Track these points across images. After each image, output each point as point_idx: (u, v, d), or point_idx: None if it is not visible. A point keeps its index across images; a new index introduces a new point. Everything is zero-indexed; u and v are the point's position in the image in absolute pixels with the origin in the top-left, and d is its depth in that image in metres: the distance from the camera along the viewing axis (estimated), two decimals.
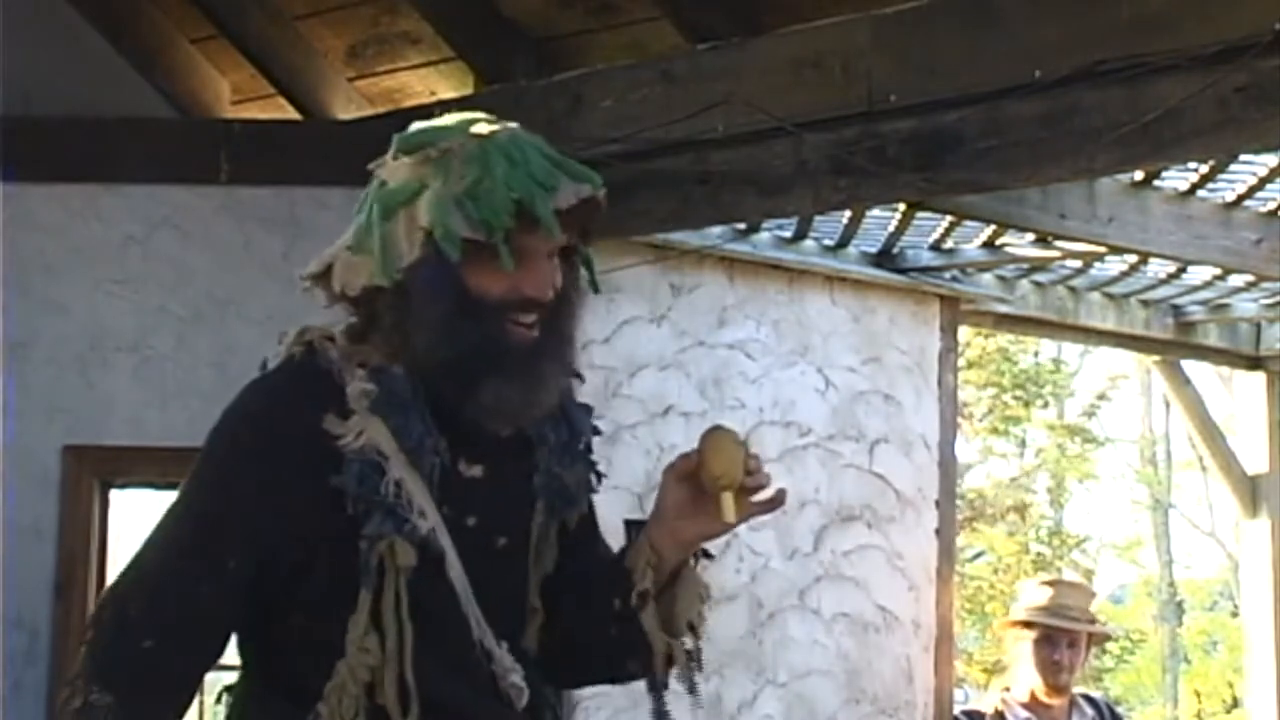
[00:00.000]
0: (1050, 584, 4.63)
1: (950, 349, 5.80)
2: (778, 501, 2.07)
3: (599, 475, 2.19)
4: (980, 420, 15.72)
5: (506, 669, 2.04)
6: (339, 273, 2.08)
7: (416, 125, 2.10)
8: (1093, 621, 4.55)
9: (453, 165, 2.00)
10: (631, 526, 2.13)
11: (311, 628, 2.01)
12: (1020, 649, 4.52)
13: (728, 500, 2.02)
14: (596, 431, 2.19)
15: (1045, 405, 16.68)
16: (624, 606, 2.08)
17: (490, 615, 2.04)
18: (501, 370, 2.00)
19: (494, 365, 1.99)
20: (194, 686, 2.03)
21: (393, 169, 2.08)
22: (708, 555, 2.14)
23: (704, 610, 2.13)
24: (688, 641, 2.11)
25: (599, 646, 2.13)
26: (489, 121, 2.06)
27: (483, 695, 2.04)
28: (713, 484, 2.02)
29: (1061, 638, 4.46)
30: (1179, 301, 6.47)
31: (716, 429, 2.05)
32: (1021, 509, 15.83)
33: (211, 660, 2.04)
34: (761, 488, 2.04)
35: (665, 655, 2.09)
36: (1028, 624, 4.51)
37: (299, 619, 2.02)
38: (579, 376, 2.17)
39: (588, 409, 2.19)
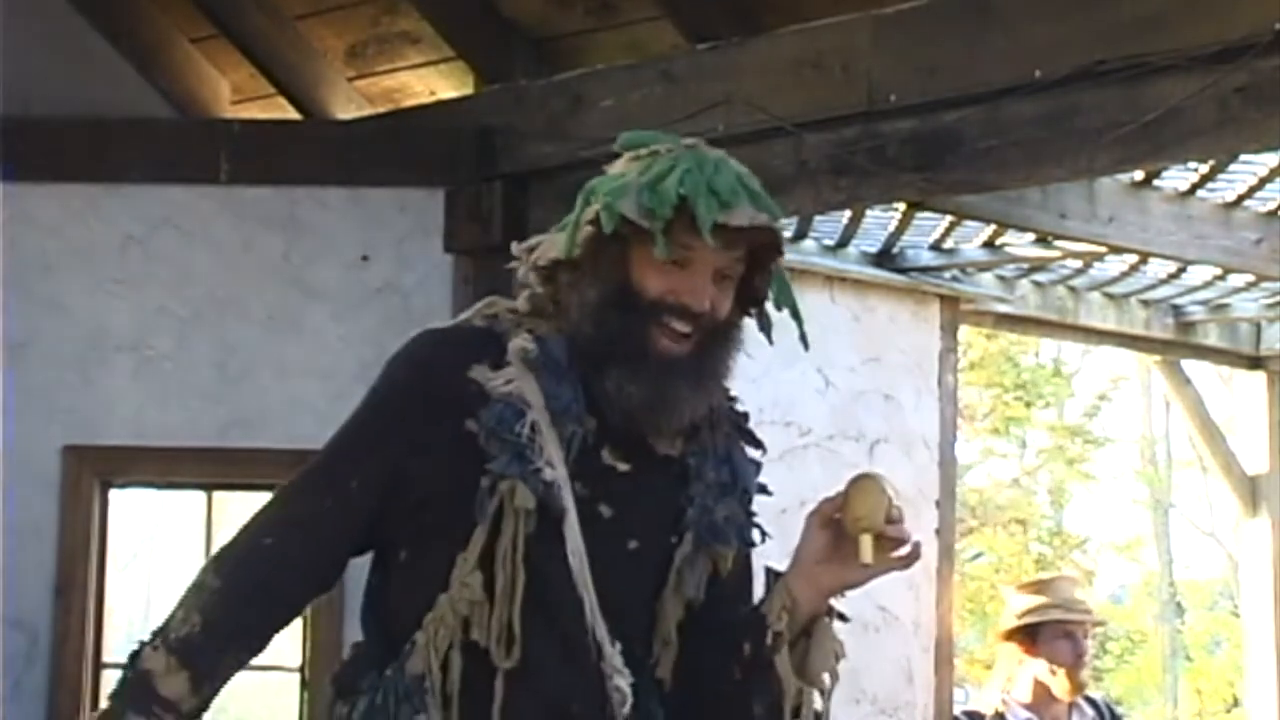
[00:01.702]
0: (1047, 582, 4.60)
1: (950, 349, 5.80)
2: (914, 557, 2.09)
3: (763, 533, 2.21)
4: (981, 421, 15.72)
5: (615, 669, 2.06)
6: (541, 247, 2.16)
7: (638, 131, 2.22)
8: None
9: (652, 163, 2.10)
10: (770, 574, 2.14)
11: (417, 563, 2.08)
12: (1029, 652, 4.45)
13: (866, 542, 2.04)
14: (764, 490, 2.22)
15: (1046, 406, 16.68)
16: (754, 651, 2.10)
17: (607, 612, 2.05)
18: (630, 366, 2.06)
19: (626, 359, 2.06)
20: (297, 598, 2.13)
21: (614, 165, 2.17)
22: (843, 617, 2.15)
23: (837, 669, 2.14)
24: (818, 700, 2.11)
25: (723, 692, 2.13)
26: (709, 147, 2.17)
27: (582, 679, 2.05)
28: (853, 525, 2.05)
29: (1079, 630, 4.43)
30: (1179, 301, 6.47)
31: (865, 475, 2.09)
32: (1023, 521, 15.83)
33: (321, 578, 2.13)
34: (901, 541, 2.07)
35: (796, 703, 2.09)
36: (1036, 625, 4.44)
37: (405, 554, 2.09)
38: (760, 445, 2.23)
39: (757, 465, 2.22)
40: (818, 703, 2.11)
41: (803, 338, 2.19)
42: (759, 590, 2.22)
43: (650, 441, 2.12)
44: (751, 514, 2.21)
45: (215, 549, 2.14)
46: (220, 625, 2.05)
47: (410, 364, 2.14)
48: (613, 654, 2.06)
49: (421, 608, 2.04)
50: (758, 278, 2.16)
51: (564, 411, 2.06)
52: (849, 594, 2.14)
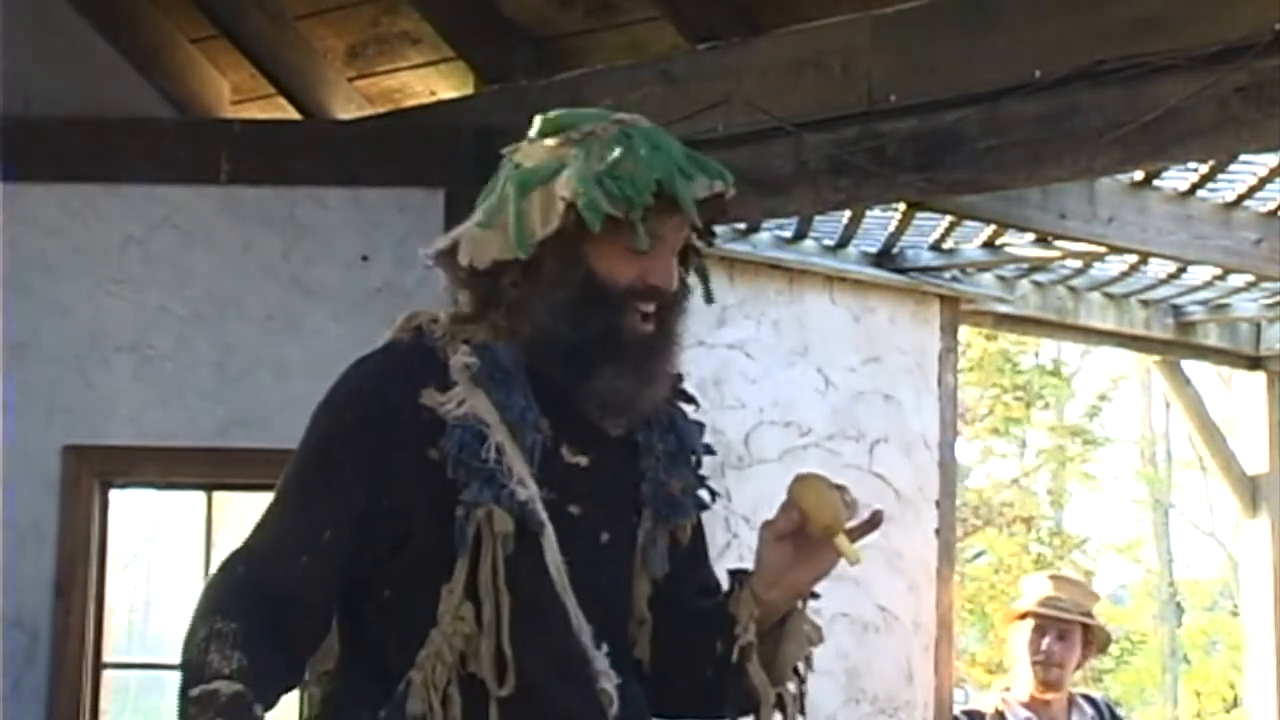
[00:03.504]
0: (1049, 579, 4.65)
1: (950, 349, 5.80)
2: (876, 521, 2.10)
3: (713, 494, 2.20)
4: (981, 421, 15.71)
5: (600, 672, 2.04)
6: (466, 247, 2.08)
7: (555, 111, 2.13)
8: (1088, 616, 4.54)
9: (594, 146, 2.04)
10: (735, 576, 2.14)
11: (402, 602, 2.03)
12: (1018, 645, 4.53)
13: (844, 543, 2.04)
14: (709, 450, 2.20)
15: (1046, 406, 16.67)
16: (725, 652, 2.09)
17: (589, 612, 2.04)
18: (618, 361, 2.03)
19: (612, 355, 2.03)
20: (301, 657, 2.04)
21: (529, 151, 2.10)
22: (814, 595, 2.15)
23: (811, 653, 2.14)
24: (792, 686, 2.12)
25: (693, 682, 2.14)
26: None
27: (578, 690, 2.03)
28: (824, 533, 2.04)
29: (1050, 629, 4.46)
30: (1179, 301, 6.47)
31: (806, 480, 2.07)
32: (1027, 519, 15.82)
33: (317, 630, 2.05)
34: (863, 518, 2.07)
35: (773, 705, 2.10)
36: (1022, 617, 4.53)
37: (389, 594, 2.04)
38: (693, 401, 2.20)
39: (700, 426, 2.20)
40: (791, 687, 2.12)
41: (706, 294, 2.16)
42: (713, 562, 2.23)
43: (602, 426, 2.09)
44: (702, 478, 2.19)
45: (194, 621, 1.98)
46: (264, 655, 1.95)
47: (358, 400, 2.06)
48: (598, 656, 2.04)
49: (411, 644, 1.99)
50: (702, 239, 2.15)
51: (521, 421, 2.01)
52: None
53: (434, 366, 2.03)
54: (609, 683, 2.04)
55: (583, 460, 2.08)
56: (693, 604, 2.16)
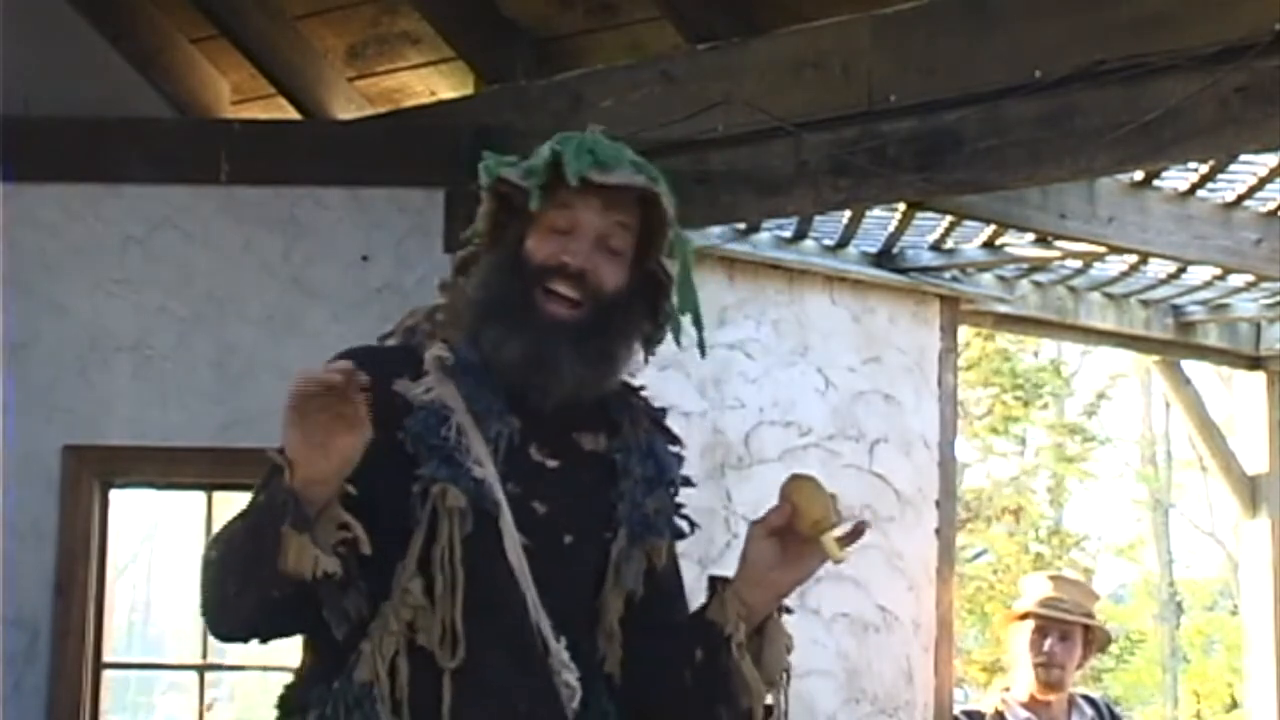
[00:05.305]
0: (1049, 579, 4.65)
1: (950, 349, 5.80)
2: (860, 531, 2.13)
3: (692, 525, 2.24)
4: (980, 420, 15.71)
5: (562, 664, 2.07)
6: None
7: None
8: (1089, 616, 4.54)
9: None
10: (715, 581, 2.17)
11: (362, 578, 2.05)
12: (1018, 645, 4.53)
13: (830, 540, 2.09)
14: (688, 482, 2.25)
15: (1045, 405, 16.66)
16: (708, 657, 2.12)
17: (548, 608, 2.07)
18: (509, 324, 2.10)
19: (507, 318, 2.10)
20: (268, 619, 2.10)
21: None
22: (789, 610, 2.20)
23: (790, 661, 2.19)
24: (776, 693, 2.17)
25: (675, 695, 2.16)
26: None
27: (532, 678, 2.06)
28: (813, 529, 2.09)
29: (1052, 630, 4.45)
30: (1179, 301, 6.47)
31: (801, 478, 2.13)
32: (1016, 511, 15.81)
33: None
34: (849, 525, 2.13)
35: (763, 703, 2.15)
36: (1022, 617, 4.53)
37: (343, 575, 2.05)
38: (677, 441, 2.27)
39: (680, 458, 2.26)
40: (769, 699, 2.17)
41: (700, 344, 2.21)
42: (688, 584, 2.26)
43: (575, 438, 2.16)
44: (679, 505, 2.23)
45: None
46: None
47: None
48: (558, 649, 2.07)
49: (365, 619, 2.05)
50: (653, 258, 2.18)
51: (486, 412, 2.09)
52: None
53: (411, 361, 2.13)
54: (570, 675, 2.07)
55: (551, 462, 2.14)
56: (667, 621, 2.19)
